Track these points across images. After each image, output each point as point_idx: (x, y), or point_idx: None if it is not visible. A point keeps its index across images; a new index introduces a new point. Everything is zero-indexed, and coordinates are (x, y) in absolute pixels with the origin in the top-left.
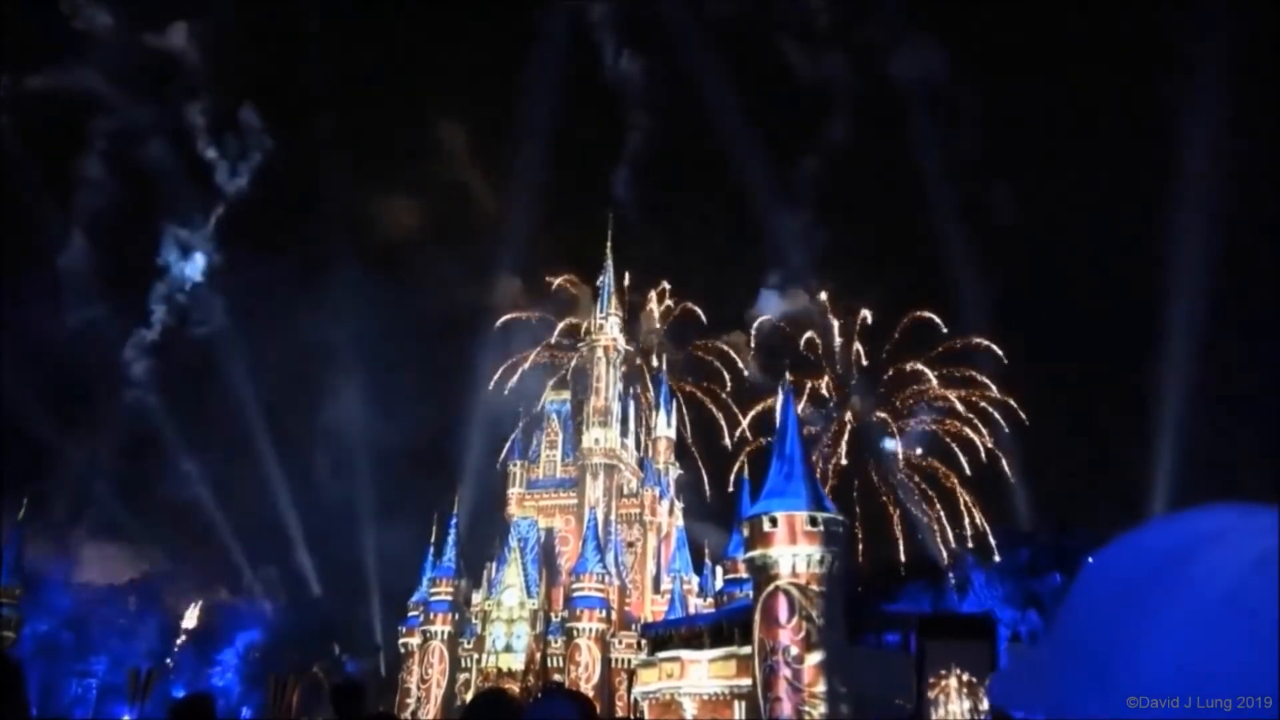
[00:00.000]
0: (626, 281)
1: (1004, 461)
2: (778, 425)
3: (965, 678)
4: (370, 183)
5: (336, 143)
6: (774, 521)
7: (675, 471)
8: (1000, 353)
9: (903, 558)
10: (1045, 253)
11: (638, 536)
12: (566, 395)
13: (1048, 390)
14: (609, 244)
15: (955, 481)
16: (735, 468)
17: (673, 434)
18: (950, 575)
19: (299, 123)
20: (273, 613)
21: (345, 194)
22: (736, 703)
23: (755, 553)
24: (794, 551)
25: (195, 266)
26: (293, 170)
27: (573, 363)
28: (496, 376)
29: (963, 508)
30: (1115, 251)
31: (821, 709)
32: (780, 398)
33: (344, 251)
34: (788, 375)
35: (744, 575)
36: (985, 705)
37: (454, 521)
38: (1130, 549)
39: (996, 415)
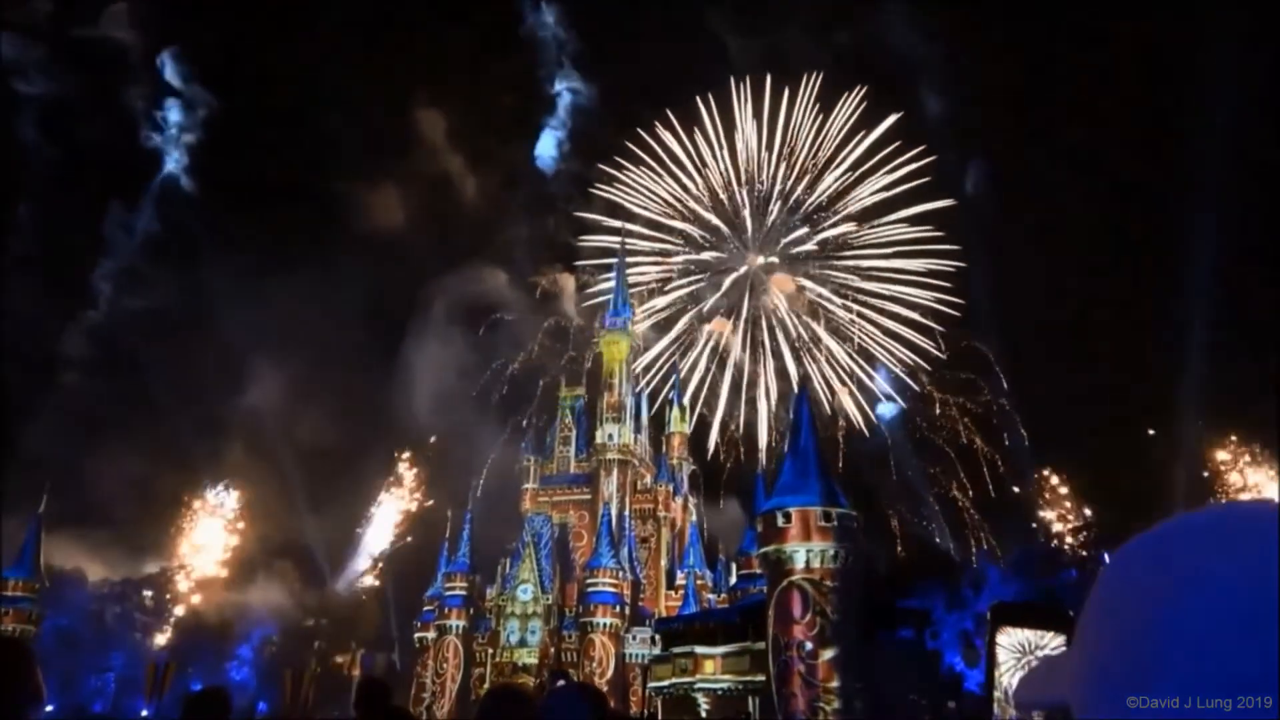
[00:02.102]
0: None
1: (1001, 466)
2: (791, 422)
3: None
4: (349, 169)
5: (305, 123)
6: (788, 517)
7: (689, 467)
8: (991, 355)
9: (900, 551)
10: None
11: (651, 532)
12: (580, 391)
13: (1053, 392)
14: (622, 240)
15: (954, 485)
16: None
17: (687, 429)
18: (964, 572)
19: (264, 102)
20: (289, 607)
21: (320, 176)
22: (750, 698)
23: (769, 548)
24: (808, 547)
25: (131, 242)
26: (255, 150)
27: (563, 360)
28: (488, 375)
29: (962, 505)
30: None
31: (836, 704)
32: (795, 395)
33: (321, 236)
34: (798, 371)
35: (758, 571)
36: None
37: (469, 517)
38: (1144, 550)
39: (997, 421)
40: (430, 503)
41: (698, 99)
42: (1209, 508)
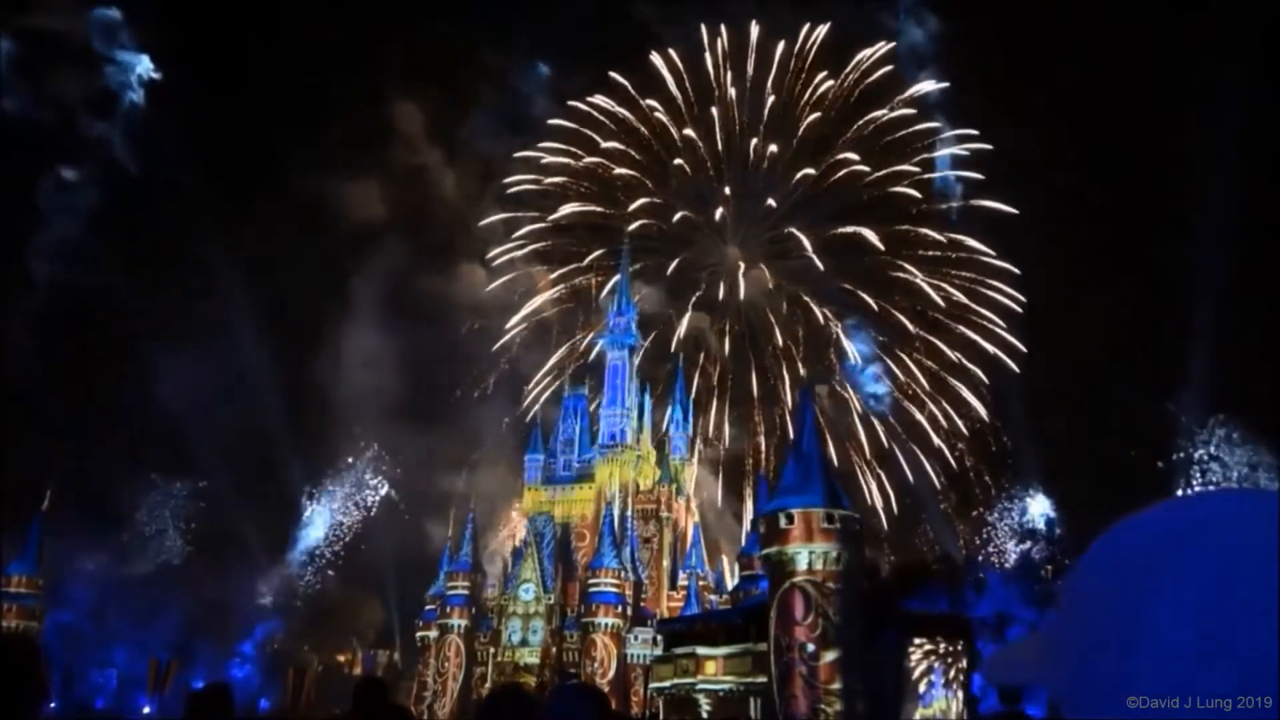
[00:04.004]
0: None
1: (985, 470)
2: (795, 423)
3: (949, 675)
4: (323, 161)
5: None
6: (790, 518)
7: (691, 468)
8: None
9: (890, 557)
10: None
11: (654, 532)
12: (584, 390)
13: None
14: (626, 240)
15: (946, 491)
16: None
17: (689, 429)
18: (966, 574)
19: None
20: (291, 604)
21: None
22: (752, 699)
23: (772, 549)
24: (810, 548)
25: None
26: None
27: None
28: (477, 375)
29: (948, 509)
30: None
31: (837, 706)
32: (799, 395)
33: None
34: (802, 371)
35: (760, 572)
36: (961, 704)
37: (471, 516)
38: (1134, 531)
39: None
40: (388, 493)
41: (655, 55)
42: (1201, 494)
